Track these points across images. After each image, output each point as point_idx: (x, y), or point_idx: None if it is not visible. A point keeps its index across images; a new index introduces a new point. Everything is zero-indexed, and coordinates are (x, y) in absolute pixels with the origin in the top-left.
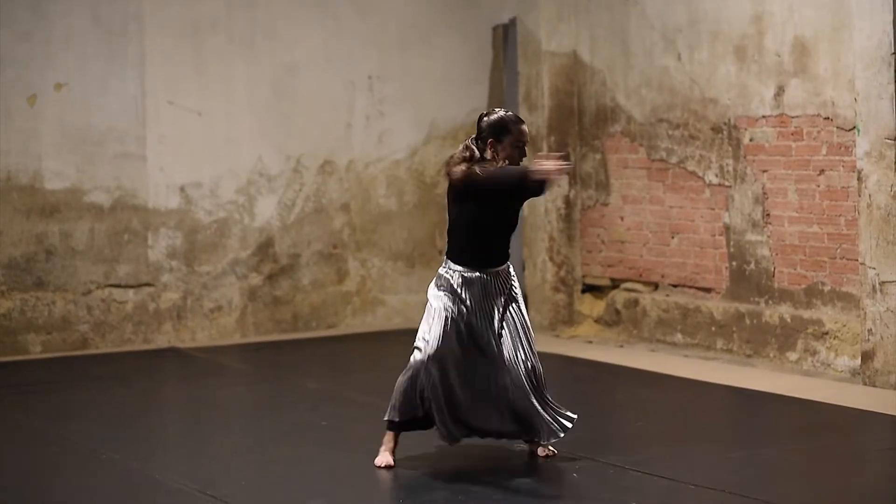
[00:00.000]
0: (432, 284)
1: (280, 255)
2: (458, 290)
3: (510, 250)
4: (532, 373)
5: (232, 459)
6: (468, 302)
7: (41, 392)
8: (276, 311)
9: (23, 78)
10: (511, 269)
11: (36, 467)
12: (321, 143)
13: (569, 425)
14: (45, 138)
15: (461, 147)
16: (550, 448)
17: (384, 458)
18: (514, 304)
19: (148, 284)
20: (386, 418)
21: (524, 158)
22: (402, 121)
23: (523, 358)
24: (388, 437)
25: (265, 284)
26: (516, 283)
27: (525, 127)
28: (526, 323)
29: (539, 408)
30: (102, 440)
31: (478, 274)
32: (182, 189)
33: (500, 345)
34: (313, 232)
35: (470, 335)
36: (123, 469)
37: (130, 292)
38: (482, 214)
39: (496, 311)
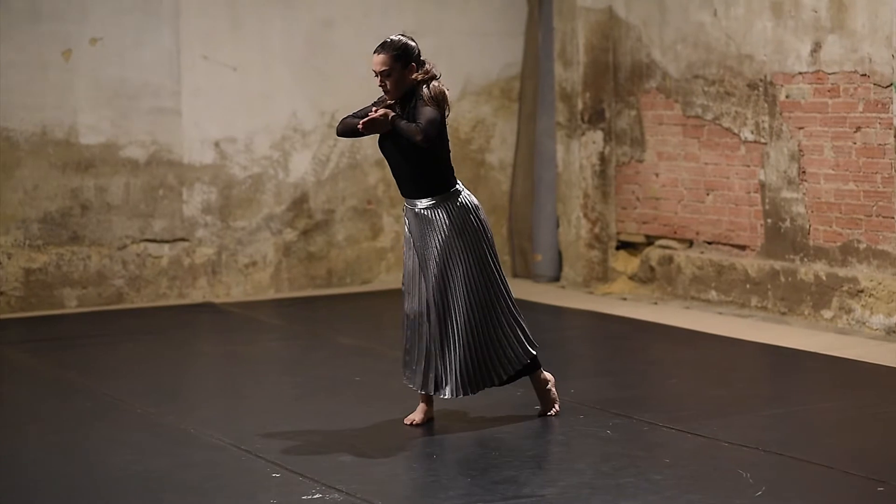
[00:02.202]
0: None
1: (314, 211)
2: (406, 224)
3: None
4: (449, 322)
5: (266, 414)
6: (411, 236)
7: (76, 346)
8: (310, 267)
9: (58, 32)
10: (459, 206)
11: (71, 421)
12: (356, 99)
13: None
14: (80, 93)
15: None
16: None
17: (412, 415)
18: (448, 246)
19: (183, 239)
20: None
21: (384, 90)
22: None
23: (442, 304)
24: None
25: (300, 240)
26: (465, 224)
27: (374, 56)
28: (443, 273)
29: (440, 359)
30: (137, 394)
31: (408, 207)
32: (217, 144)
33: (430, 287)
34: (348, 188)
35: (414, 277)
36: (158, 423)
37: (165, 247)
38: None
39: (430, 250)
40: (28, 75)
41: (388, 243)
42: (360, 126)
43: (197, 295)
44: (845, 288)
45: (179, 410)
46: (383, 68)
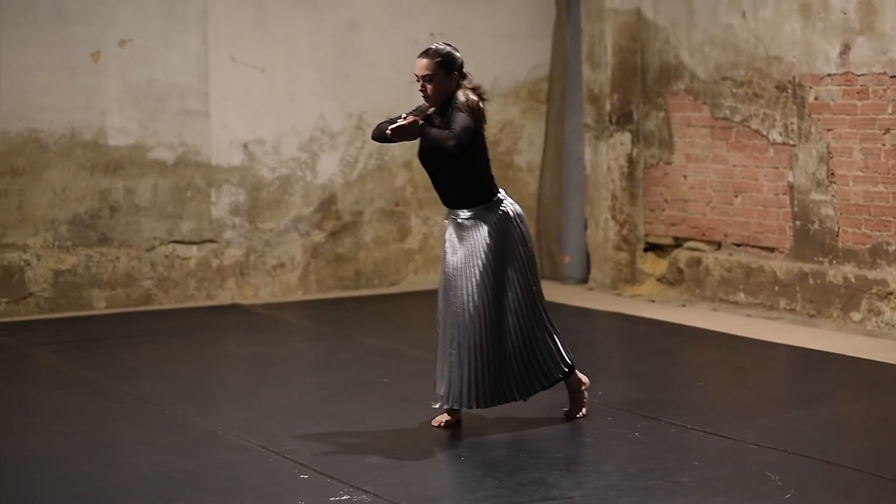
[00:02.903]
0: None
1: (342, 213)
2: (446, 235)
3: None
4: (471, 331)
5: (293, 415)
6: (448, 245)
7: (104, 347)
8: (338, 269)
9: (87, 34)
10: (501, 215)
11: (98, 421)
12: (383, 101)
13: (465, 405)
14: (108, 94)
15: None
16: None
17: (439, 417)
18: (486, 257)
19: (211, 241)
20: None
21: (424, 95)
22: None
23: (471, 315)
24: None
25: (327, 241)
26: (506, 234)
27: (418, 61)
28: (482, 279)
29: (457, 370)
30: (165, 395)
31: (451, 217)
32: (245, 146)
33: (468, 295)
34: (375, 189)
35: (447, 281)
36: (185, 424)
37: (194, 248)
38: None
39: (471, 259)
40: (57, 77)
41: (416, 245)
42: (388, 132)
43: (225, 296)
44: (874, 290)
45: (206, 411)
46: (426, 73)
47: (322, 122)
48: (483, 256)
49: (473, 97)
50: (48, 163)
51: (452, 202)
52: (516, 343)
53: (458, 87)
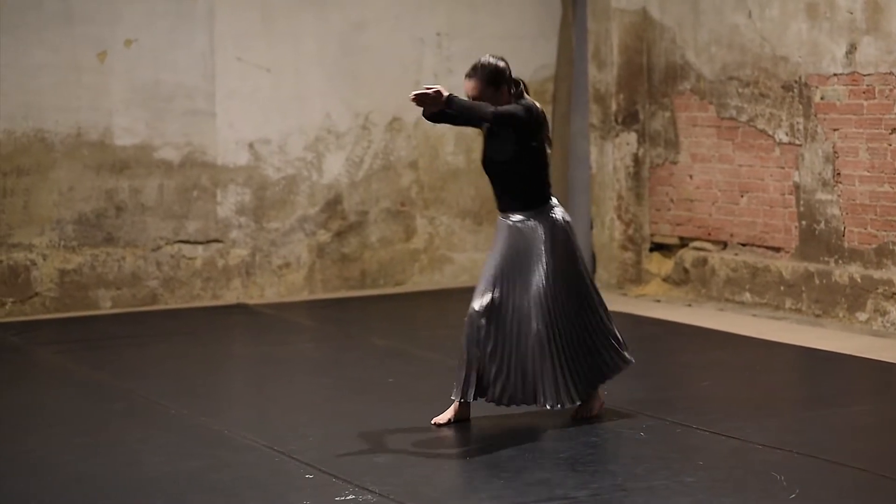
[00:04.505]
0: None
1: (348, 213)
2: (496, 237)
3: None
4: (548, 334)
5: (299, 415)
6: (497, 247)
7: (111, 347)
8: (343, 268)
9: (93, 34)
10: (553, 221)
11: (104, 422)
12: (389, 101)
13: (573, 400)
14: (115, 94)
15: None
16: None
17: (444, 414)
18: (543, 259)
19: (217, 241)
20: None
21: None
22: None
23: (540, 317)
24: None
25: (333, 241)
26: (558, 238)
27: (465, 82)
28: (545, 282)
29: (550, 371)
30: (171, 395)
31: (502, 219)
32: (251, 146)
33: (521, 298)
34: (381, 189)
35: (501, 284)
36: (191, 424)
37: (199, 248)
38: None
39: (525, 262)
40: (63, 77)
41: (422, 245)
42: (411, 98)
43: (230, 296)
44: (880, 290)
45: (212, 411)
46: (474, 94)
47: (328, 122)
48: (536, 262)
49: (530, 101)
50: (54, 162)
51: (508, 206)
52: (572, 344)
53: (517, 97)
